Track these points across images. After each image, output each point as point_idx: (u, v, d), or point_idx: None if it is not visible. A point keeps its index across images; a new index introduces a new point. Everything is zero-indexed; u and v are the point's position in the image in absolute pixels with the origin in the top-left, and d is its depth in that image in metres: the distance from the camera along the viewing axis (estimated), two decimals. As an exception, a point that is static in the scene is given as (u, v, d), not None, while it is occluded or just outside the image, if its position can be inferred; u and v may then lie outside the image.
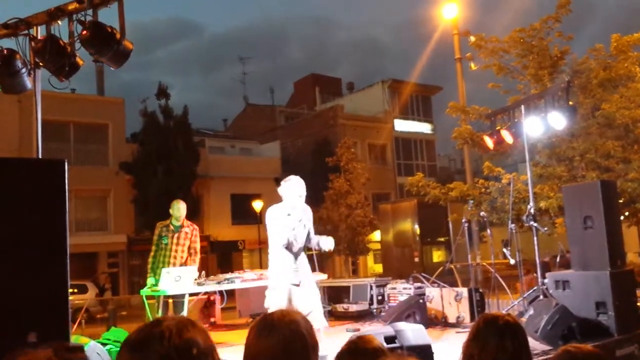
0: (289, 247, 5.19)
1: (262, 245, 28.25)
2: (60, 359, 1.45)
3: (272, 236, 5.28)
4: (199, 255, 7.45)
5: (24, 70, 4.70)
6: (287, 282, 5.16)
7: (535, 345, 5.43)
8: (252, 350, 1.70)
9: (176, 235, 7.21)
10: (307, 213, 5.46)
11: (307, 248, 5.49)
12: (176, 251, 7.21)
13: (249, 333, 1.75)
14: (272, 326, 1.71)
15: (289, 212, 5.25)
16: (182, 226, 7.30)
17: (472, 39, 12.96)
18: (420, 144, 36.13)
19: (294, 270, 5.21)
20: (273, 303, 5.12)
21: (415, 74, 36.94)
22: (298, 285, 5.19)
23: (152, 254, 7.26)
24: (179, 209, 7.31)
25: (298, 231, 5.25)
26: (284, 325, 1.70)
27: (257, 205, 27.70)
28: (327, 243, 5.46)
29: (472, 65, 13.62)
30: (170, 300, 6.95)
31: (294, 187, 5.32)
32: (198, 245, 7.46)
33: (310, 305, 5.12)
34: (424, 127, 36.80)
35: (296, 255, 5.28)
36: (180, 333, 1.24)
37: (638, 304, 6.41)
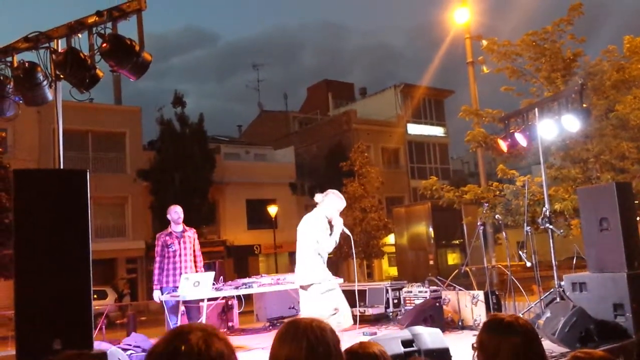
0: (324, 253, 5.53)
1: (278, 249, 28.38)
2: None
3: (308, 242, 5.50)
4: (201, 257, 7.60)
5: (45, 82, 4.81)
6: (331, 284, 5.52)
7: (552, 347, 5.44)
8: (274, 354, 1.73)
9: (182, 240, 7.31)
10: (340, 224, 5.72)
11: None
12: (186, 255, 7.30)
13: (274, 338, 1.77)
14: (297, 332, 1.72)
15: (325, 224, 5.56)
16: (184, 230, 7.40)
17: (484, 43, 12.94)
18: (433, 147, 36.07)
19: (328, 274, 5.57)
20: (339, 300, 5.43)
21: (427, 78, 36.90)
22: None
23: (157, 265, 7.22)
24: (177, 212, 7.38)
25: (330, 242, 5.56)
26: (309, 331, 1.71)
27: (272, 210, 27.83)
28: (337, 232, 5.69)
29: (485, 68, 13.61)
30: (182, 307, 7.04)
31: (334, 202, 5.64)
32: (199, 247, 7.60)
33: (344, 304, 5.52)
34: (437, 131, 36.75)
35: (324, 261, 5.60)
36: (208, 347, 1.24)
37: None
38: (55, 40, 4.73)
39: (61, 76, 4.62)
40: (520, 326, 2.10)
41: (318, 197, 5.72)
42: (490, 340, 2.11)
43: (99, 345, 5.30)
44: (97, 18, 4.49)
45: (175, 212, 7.37)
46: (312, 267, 5.48)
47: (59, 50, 4.68)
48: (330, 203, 5.62)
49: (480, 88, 15.72)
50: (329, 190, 5.77)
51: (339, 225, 5.61)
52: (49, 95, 4.91)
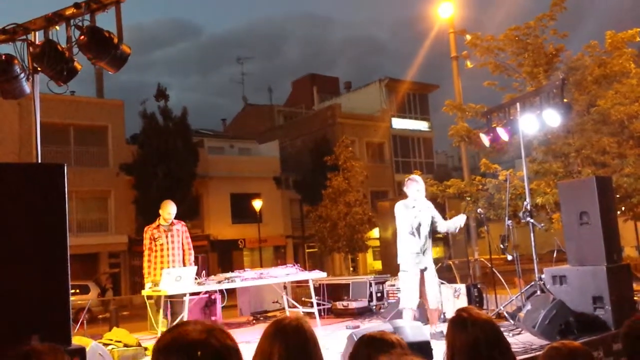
0: (413, 232, 6.04)
1: (262, 243, 28.34)
2: None
3: (399, 225, 6.16)
4: (192, 251, 7.60)
5: (22, 75, 4.73)
6: (417, 266, 6.01)
7: (532, 340, 5.48)
8: (261, 351, 1.92)
9: (170, 234, 7.30)
10: (429, 207, 6.26)
11: (433, 235, 6.30)
12: (174, 249, 7.33)
13: (263, 335, 1.98)
14: (278, 331, 1.92)
15: (413, 205, 6.12)
16: (172, 224, 7.39)
17: (468, 37, 13.03)
18: (417, 141, 36.22)
19: (420, 256, 6.04)
20: (404, 285, 6.06)
21: (412, 73, 37.11)
22: (425, 269, 6.04)
23: (146, 258, 7.27)
24: (170, 213, 7.37)
25: (419, 219, 6.05)
26: (292, 330, 1.92)
27: (256, 204, 27.76)
28: (457, 221, 6.24)
29: (468, 63, 13.70)
30: (166, 300, 7.03)
31: (413, 185, 6.19)
32: (190, 240, 7.61)
33: (434, 287, 6.06)
34: (421, 125, 36.89)
35: (421, 243, 6.06)
36: (220, 338, 1.30)
37: (635, 297, 6.47)
38: (33, 33, 4.65)
39: (38, 69, 4.55)
40: (474, 321, 2.18)
41: (404, 189, 6.31)
42: (451, 335, 2.23)
43: (79, 340, 5.24)
44: (75, 10, 4.41)
45: (169, 213, 7.37)
46: (399, 252, 6.17)
47: (37, 43, 4.61)
48: (408, 189, 6.19)
49: (464, 83, 15.82)
50: (410, 176, 6.44)
51: (422, 202, 6.16)
52: (27, 88, 4.83)
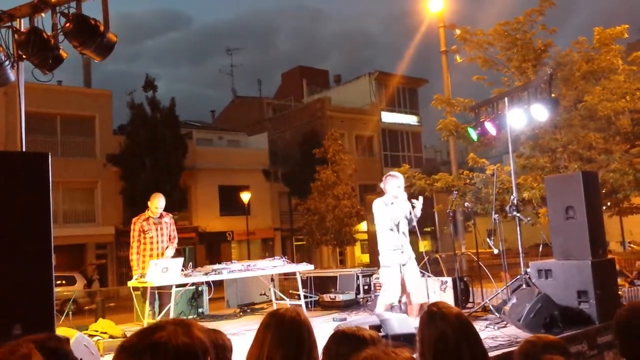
0: (393, 229, 6.01)
1: (250, 236, 28.31)
2: (42, 352, 1.46)
3: (379, 222, 6.11)
4: (176, 240, 7.64)
5: (7, 62, 4.66)
6: (398, 261, 5.97)
7: (518, 333, 5.52)
8: (260, 341, 1.99)
9: (159, 227, 7.31)
10: (407, 203, 6.14)
11: (419, 229, 6.23)
12: (163, 242, 7.37)
13: (260, 324, 2.09)
14: (280, 321, 2.00)
15: (392, 201, 6.05)
16: (161, 216, 7.40)
17: (458, 32, 13.04)
18: (406, 135, 36.29)
19: (400, 252, 6.00)
20: (386, 279, 6.05)
21: (402, 67, 37.07)
22: (405, 264, 6.00)
23: (134, 250, 7.27)
24: (158, 207, 7.36)
25: (400, 215, 6.03)
26: (289, 321, 2.02)
27: (245, 196, 27.71)
28: (418, 207, 6.08)
29: (458, 57, 13.74)
30: (153, 292, 7.02)
31: (389, 183, 6.13)
32: (176, 234, 7.66)
33: (415, 281, 6.03)
34: (410, 119, 36.97)
35: (402, 239, 6.05)
36: (179, 339, 1.23)
37: (619, 292, 6.53)
38: (18, 20, 4.60)
39: (24, 56, 4.50)
40: (443, 316, 2.21)
41: (382, 185, 6.27)
42: (421, 329, 2.27)
43: (63, 331, 5.20)
44: (60, -3, 4.36)
45: (157, 207, 7.37)
46: (380, 249, 6.12)
47: (22, 30, 4.55)
48: (387, 185, 6.10)
49: (454, 78, 15.87)
50: (389, 173, 6.33)
51: (402, 199, 6.07)
52: (12, 75, 4.76)
